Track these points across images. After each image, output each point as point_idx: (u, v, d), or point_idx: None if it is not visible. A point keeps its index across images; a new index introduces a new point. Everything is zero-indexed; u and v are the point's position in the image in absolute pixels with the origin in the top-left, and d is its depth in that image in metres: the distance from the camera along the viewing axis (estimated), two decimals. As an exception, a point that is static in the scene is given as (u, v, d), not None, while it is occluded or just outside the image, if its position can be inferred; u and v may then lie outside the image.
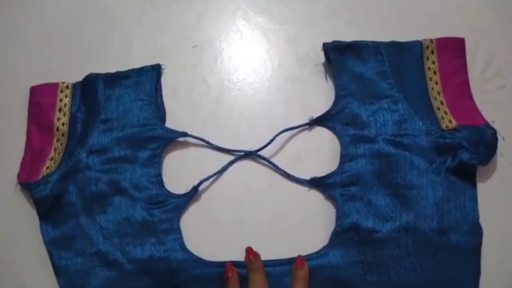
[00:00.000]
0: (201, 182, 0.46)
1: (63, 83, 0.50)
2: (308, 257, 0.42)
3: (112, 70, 0.51)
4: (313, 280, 0.41)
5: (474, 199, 0.42)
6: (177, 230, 0.44)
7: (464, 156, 0.42)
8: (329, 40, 0.50)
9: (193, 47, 0.53)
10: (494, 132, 0.44)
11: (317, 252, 0.42)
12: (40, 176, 0.45)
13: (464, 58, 0.48)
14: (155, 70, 0.51)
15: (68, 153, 0.47)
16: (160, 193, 0.45)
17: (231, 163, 0.47)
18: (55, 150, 0.47)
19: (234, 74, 0.52)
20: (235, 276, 0.41)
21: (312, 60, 0.51)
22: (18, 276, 0.45)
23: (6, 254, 0.45)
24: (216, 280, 0.42)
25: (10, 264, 0.45)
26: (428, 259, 0.40)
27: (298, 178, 0.46)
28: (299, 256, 0.41)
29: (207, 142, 0.48)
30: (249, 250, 0.42)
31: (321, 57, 0.51)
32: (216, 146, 0.48)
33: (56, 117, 0.49)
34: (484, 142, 0.43)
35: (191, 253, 0.43)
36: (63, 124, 0.48)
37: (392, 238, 0.41)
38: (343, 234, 0.42)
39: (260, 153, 0.47)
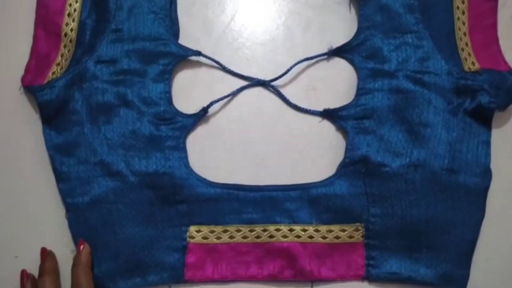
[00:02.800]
0: (210, 104, 0.45)
1: (73, -13, 0.48)
2: (314, 185, 0.42)
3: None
4: (317, 208, 0.42)
5: (488, 143, 0.42)
6: (183, 149, 0.44)
7: (484, 99, 0.42)
8: (357, -32, 0.48)
9: (211, -37, 0.50)
10: (516, 79, 0.43)
11: (322, 181, 0.42)
12: (46, 80, 0.44)
13: (495, 1, 0.47)
14: (171, -17, 0.48)
15: (75, 60, 0.45)
16: (168, 110, 0.44)
17: (242, 88, 0.46)
18: (62, 56, 0.46)
19: (252, -5, 0.49)
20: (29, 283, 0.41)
21: (337, -13, 0.49)
22: (18, 180, 0.45)
23: (7, 157, 0.45)
24: (217, 200, 0.42)
25: (10, 167, 0.45)
26: (434, 197, 0.41)
27: (310, 110, 0.45)
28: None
29: (220, 64, 0.46)
30: (43, 250, 0.42)
31: (346, -14, 0.48)
32: (228, 69, 0.46)
33: (64, 22, 0.47)
34: (505, 88, 0.42)
35: (195, 173, 0.43)
36: (71, 30, 0.46)
37: (400, 173, 0.41)
38: (350, 166, 0.42)
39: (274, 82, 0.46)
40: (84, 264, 0.40)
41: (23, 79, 0.45)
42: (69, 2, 0.47)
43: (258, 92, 0.46)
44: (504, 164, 0.43)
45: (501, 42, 0.46)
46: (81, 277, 0.40)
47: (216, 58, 0.46)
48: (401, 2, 0.46)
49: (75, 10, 0.47)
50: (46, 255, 0.42)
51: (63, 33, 0.46)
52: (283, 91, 0.46)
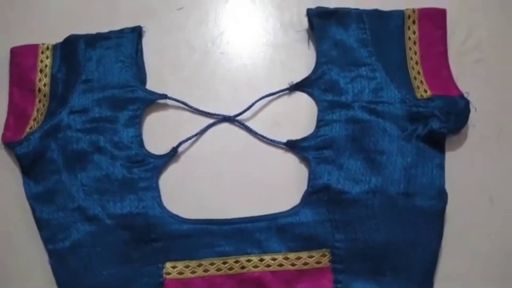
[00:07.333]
0: (180, 144, 0.50)
1: (43, 44, 0.54)
2: (280, 215, 0.47)
3: (97, 30, 0.54)
4: (285, 237, 0.46)
5: (441, 166, 0.47)
6: (156, 189, 0.48)
7: (435, 124, 0.47)
8: (314, 5, 0.53)
9: (178, 9, 0.56)
10: (466, 103, 0.48)
11: (288, 211, 0.47)
12: (24, 136, 0.49)
13: (444, 29, 0.52)
14: (136, 32, 0.54)
15: (50, 113, 0.51)
16: (140, 153, 0.49)
17: (209, 126, 0.51)
18: (37, 111, 0.51)
19: (218, 38, 0.55)
20: None
21: (296, 26, 0.55)
22: (3, 229, 0.49)
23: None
24: (191, 236, 0.47)
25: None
26: (392, 221, 0.45)
27: (274, 141, 0.50)
28: None
29: (187, 105, 0.52)
30: None
31: (305, 23, 0.54)
32: (195, 109, 0.52)
33: (37, 78, 0.52)
34: (455, 112, 0.48)
35: (168, 210, 0.48)
36: (44, 85, 0.52)
37: (360, 199, 0.46)
38: (314, 195, 0.47)
39: (239, 117, 0.51)
40: None
41: (3, 136, 0.51)
42: (40, 58, 0.53)
43: (225, 128, 0.52)
44: (459, 186, 0.47)
45: (452, 68, 0.51)
46: None
47: (186, 99, 0.52)
48: (355, 37, 0.51)
49: (46, 65, 0.53)
50: None
51: (37, 89, 0.52)
52: (249, 125, 0.51)
